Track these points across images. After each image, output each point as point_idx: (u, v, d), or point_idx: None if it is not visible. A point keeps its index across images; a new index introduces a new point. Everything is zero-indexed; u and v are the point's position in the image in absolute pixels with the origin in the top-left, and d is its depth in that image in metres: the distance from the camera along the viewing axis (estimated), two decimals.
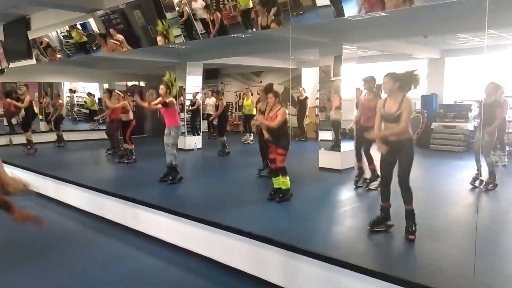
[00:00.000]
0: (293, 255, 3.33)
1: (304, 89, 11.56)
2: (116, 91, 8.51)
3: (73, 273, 3.78)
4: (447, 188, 6.19)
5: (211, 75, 14.51)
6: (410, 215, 3.93)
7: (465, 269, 3.20)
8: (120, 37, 6.29)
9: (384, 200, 4.10)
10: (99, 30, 6.68)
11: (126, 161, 8.00)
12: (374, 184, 5.65)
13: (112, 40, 6.40)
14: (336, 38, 7.01)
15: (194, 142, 10.03)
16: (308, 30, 6.44)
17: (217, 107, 9.45)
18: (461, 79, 9.88)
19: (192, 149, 9.79)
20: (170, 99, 6.13)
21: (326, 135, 7.44)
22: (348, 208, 5.23)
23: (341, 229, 4.47)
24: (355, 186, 5.83)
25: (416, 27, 6.37)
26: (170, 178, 6.23)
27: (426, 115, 9.62)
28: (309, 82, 12.36)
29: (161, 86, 6.17)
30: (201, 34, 5.45)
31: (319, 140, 7.63)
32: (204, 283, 3.65)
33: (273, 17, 4.64)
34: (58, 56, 8.13)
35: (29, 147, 9.61)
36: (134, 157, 8.08)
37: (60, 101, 11.08)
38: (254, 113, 10.02)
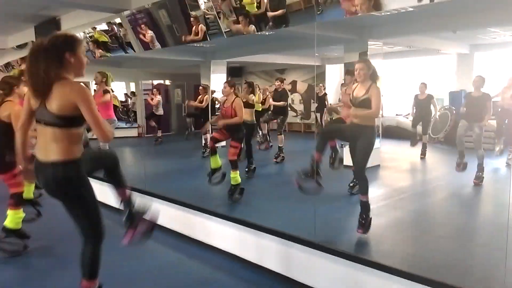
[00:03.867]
0: (319, 253, 3.33)
1: (323, 86, 11.45)
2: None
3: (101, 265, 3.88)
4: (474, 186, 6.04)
5: (235, 73, 14.58)
6: (364, 206, 3.86)
7: (496, 269, 3.13)
8: (150, 33, 6.35)
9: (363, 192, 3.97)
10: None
11: None
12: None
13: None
14: (361, 34, 6.91)
15: None
16: (333, 27, 6.37)
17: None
18: (491, 74, 9.58)
19: None
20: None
21: None
22: (374, 206, 5.17)
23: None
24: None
25: (445, 22, 6.21)
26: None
27: (454, 112, 9.37)
28: (334, 79, 12.26)
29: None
30: (225, 32, 5.48)
31: None
32: (228, 279, 3.69)
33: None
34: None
35: None
36: None
37: None
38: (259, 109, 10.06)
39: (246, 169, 6.55)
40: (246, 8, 4.98)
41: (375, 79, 4.04)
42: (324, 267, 3.33)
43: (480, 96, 5.71)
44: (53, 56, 2.42)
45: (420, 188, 6.08)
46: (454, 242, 3.88)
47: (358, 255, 3.21)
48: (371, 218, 3.85)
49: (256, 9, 4.90)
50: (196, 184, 6.40)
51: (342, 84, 5.53)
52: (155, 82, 14.18)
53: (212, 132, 8.88)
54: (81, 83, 2.54)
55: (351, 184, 5.38)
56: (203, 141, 9.03)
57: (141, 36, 6.49)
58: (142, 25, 6.38)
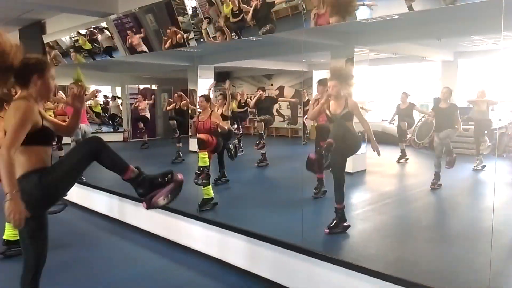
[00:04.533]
0: (307, 258, 3.33)
1: (306, 92, 11.47)
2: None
3: (87, 273, 3.82)
4: (459, 192, 6.13)
5: (222, 78, 14.55)
6: (339, 213, 4.06)
7: (480, 273, 3.17)
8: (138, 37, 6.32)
9: (339, 201, 4.11)
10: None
11: None
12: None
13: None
14: (348, 41, 6.99)
15: None
16: (320, 33, 6.43)
17: None
18: (475, 81, 9.76)
19: None
20: None
21: None
22: (360, 211, 5.21)
23: (353, 232, 4.45)
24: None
25: (429, 29, 6.32)
26: None
27: None
28: None
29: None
30: (213, 37, 5.48)
31: None
32: (216, 285, 3.67)
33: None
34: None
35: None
36: None
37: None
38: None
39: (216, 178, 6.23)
40: (224, 13, 5.03)
41: (348, 81, 4.08)
42: (310, 271, 3.33)
43: (447, 107, 5.91)
44: (20, 75, 2.37)
45: (405, 193, 6.14)
46: (439, 247, 3.92)
47: (345, 260, 3.21)
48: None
49: (233, 17, 4.95)
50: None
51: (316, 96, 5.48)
52: (142, 86, 14.08)
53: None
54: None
55: (315, 191, 5.38)
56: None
57: (129, 40, 6.46)
58: (128, 31, 6.36)
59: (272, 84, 13.92)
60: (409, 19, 5.33)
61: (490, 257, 2.84)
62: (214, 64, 10.32)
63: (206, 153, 5.12)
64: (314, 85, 12.18)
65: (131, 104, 11.46)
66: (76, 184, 5.53)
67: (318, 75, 12.43)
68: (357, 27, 6.14)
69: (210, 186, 5.02)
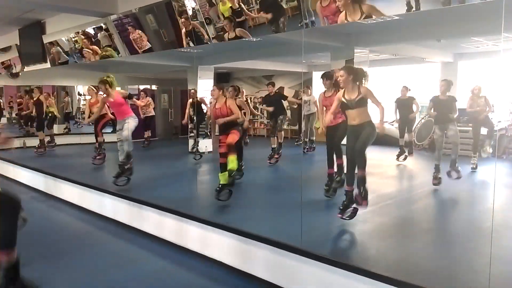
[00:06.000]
0: (305, 260, 3.32)
1: (302, 91, 11.40)
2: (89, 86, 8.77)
3: (85, 274, 3.81)
4: (461, 193, 6.13)
5: (222, 79, 14.56)
6: (361, 180, 4.31)
7: (480, 274, 3.16)
8: (139, 32, 6.30)
9: (349, 184, 4.40)
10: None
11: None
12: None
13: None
14: (348, 42, 6.99)
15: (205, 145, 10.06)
16: (320, 34, 6.43)
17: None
18: (475, 82, 9.76)
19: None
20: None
21: None
22: (360, 212, 5.19)
23: (353, 233, 4.45)
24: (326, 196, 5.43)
25: (429, 31, 6.32)
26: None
27: None
28: (321, 85, 12.31)
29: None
30: (212, 38, 5.48)
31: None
32: (215, 287, 3.66)
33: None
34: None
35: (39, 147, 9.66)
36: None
37: (50, 98, 11.13)
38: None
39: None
40: (221, 12, 5.01)
41: (361, 79, 4.31)
42: (310, 273, 3.32)
43: (446, 99, 6.16)
44: None
45: (405, 194, 6.13)
46: (439, 248, 3.91)
47: (344, 261, 3.21)
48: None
49: (233, 15, 4.95)
50: (183, 189, 6.36)
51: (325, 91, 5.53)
52: (142, 87, 14.09)
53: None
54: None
55: (326, 188, 5.42)
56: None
57: (130, 35, 6.44)
58: (129, 27, 6.31)
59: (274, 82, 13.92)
60: (409, 20, 5.33)
61: (490, 258, 2.84)
62: (214, 64, 10.33)
63: (235, 156, 5.25)
64: (315, 86, 12.29)
65: (131, 104, 11.42)
66: (74, 184, 5.56)
67: (318, 76, 12.47)
68: (357, 28, 6.14)
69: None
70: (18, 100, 12.32)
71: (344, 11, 3.88)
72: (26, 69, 9.87)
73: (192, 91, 9.60)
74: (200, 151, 9.33)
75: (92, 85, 8.56)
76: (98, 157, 7.92)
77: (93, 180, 6.34)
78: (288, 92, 13.76)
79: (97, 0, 6.38)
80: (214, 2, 5.17)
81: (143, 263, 4.11)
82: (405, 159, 7.77)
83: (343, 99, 4.36)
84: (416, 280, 2.87)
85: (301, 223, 3.73)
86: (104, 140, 8.10)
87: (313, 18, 4.30)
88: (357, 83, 4.30)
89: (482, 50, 8.79)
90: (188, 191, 6.28)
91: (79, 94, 15.92)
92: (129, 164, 5.99)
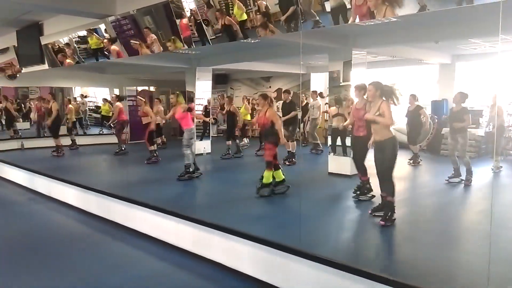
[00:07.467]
0: (304, 261, 3.32)
1: (305, 95, 11.41)
2: (138, 97, 9.56)
3: (82, 277, 3.80)
4: (458, 194, 6.14)
5: (220, 80, 14.56)
6: (389, 205, 4.47)
7: (479, 275, 3.16)
8: (153, 36, 6.25)
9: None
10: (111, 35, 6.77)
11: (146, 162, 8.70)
12: (364, 197, 5.50)
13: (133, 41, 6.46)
14: (345, 43, 7.00)
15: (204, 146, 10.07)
16: (318, 36, 6.44)
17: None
18: (472, 84, 9.79)
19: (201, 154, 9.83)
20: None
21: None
22: (358, 213, 5.20)
23: (352, 235, 4.45)
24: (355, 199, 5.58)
25: (427, 32, 6.34)
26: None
27: (436, 120, 9.54)
28: (318, 87, 12.34)
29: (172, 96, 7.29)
30: (211, 39, 5.48)
31: (328, 145, 7.61)
32: None
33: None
34: (68, 61, 8.19)
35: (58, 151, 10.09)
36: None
37: (70, 106, 11.32)
38: (249, 118, 10.90)
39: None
40: (236, 17, 5.01)
41: (388, 96, 4.50)
42: (309, 273, 3.32)
43: (459, 110, 6.32)
44: None
45: (405, 195, 6.12)
46: (438, 249, 3.90)
47: (343, 262, 3.19)
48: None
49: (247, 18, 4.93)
50: (179, 191, 6.36)
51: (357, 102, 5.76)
52: (140, 88, 14.07)
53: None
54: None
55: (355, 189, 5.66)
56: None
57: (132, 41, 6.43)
58: (145, 29, 6.25)
59: (270, 87, 13.95)
60: (407, 22, 5.34)
61: (489, 259, 2.84)
62: (212, 66, 10.33)
63: (271, 171, 5.68)
64: (313, 87, 12.29)
65: (129, 106, 11.46)
66: (72, 185, 5.53)
67: (315, 77, 12.50)
68: (355, 29, 6.16)
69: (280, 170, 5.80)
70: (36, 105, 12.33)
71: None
72: (24, 70, 9.85)
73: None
74: (199, 152, 9.38)
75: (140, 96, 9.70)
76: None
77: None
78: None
79: (95, 2, 6.37)
80: (212, 4, 5.17)
81: (141, 264, 4.10)
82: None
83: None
84: (414, 280, 2.86)
85: (300, 223, 3.73)
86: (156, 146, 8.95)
87: (316, 18, 4.30)
88: (383, 98, 4.47)
89: (480, 51, 8.82)
90: (181, 192, 6.27)
91: (84, 96, 15.86)
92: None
